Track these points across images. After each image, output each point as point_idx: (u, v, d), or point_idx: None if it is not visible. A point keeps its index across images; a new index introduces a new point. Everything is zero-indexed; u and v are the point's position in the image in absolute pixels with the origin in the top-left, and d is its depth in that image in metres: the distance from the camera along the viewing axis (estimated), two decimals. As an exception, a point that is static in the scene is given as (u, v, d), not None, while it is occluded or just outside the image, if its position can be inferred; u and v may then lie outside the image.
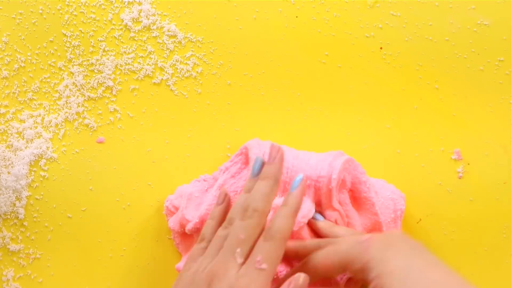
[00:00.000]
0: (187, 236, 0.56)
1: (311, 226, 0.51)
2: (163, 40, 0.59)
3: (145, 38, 0.59)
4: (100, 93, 0.59)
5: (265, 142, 0.54)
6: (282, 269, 0.50)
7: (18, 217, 0.58)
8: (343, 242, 0.47)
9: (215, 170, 0.57)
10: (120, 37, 0.59)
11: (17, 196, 0.58)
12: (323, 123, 0.58)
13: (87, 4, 0.59)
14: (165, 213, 0.57)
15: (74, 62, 0.59)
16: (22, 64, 0.59)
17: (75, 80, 0.59)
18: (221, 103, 0.59)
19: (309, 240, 0.50)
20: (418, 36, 0.58)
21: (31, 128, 0.59)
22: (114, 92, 0.59)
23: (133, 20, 0.59)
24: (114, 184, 0.58)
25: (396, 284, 0.41)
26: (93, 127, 0.59)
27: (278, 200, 0.49)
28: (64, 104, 0.59)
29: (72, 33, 0.59)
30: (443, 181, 0.57)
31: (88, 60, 0.59)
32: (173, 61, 0.59)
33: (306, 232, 0.51)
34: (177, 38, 0.59)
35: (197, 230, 0.53)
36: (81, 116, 0.59)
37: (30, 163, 0.58)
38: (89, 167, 0.59)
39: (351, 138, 0.58)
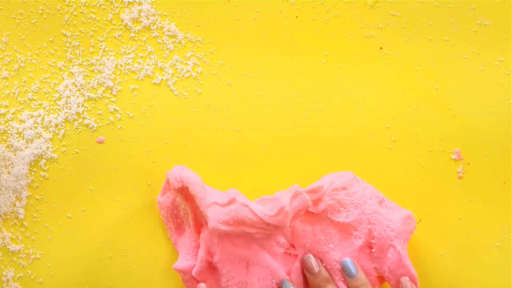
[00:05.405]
0: (180, 231, 0.56)
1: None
2: (163, 40, 0.59)
3: (145, 38, 0.59)
4: (100, 93, 0.59)
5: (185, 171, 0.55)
6: None
7: (18, 217, 0.58)
8: None
9: (215, 170, 0.57)
10: (120, 37, 0.59)
11: (17, 196, 0.58)
12: (323, 123, 0.58)
13: (87, 4, 0.59)
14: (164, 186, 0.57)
15: (74, 62, 0.59)
16: (22, 64, 0.59)
17: (75, 80, 0.59)
18: (221, 103, 0.59)
19: None
20: (418, 36, 0.58)
21: (31, 128, 0.59)
22: (114, 92, 0.59)
23: (133, 20, 0.59)
24: (114, 184, 0.58)
25: None
26: (93, 127, 0.59)
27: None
28: (64, 104, 0.59)
29: (72, 33, 0.59)
30: (443, 181, 0.57)
31: (88, 60, 0.59)
32: (173, 61, 0.59)
33: None
34: (177, 38, 0.59)
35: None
36: (81, 116, 0.59)
37: (30, 163, 0.58)
38: (89, 167, 0.59)
39: (351, 138, 0.58)
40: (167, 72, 0.59)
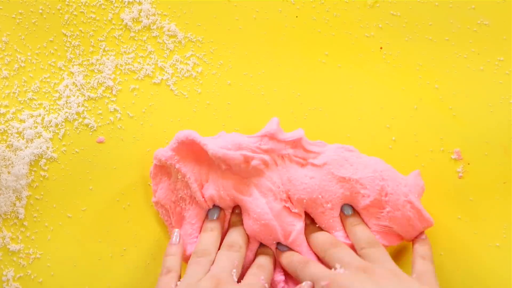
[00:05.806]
0: (180, 224, 0.56)
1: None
2: (163, 40, 0.59)
3: (145, 38, 0.59)
4: (100, 93, 0.59)
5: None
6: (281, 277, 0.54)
7: (18, 217, 0.58)
8: None
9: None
10: (120, 37, 0.59)
11: (17, 196, 0.58)
12: (323, 123, 0.58)
13: (87, 4, 0.59)
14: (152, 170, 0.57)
15: (74, 62, 0.59)
16: (22, 64, 0.59)
17: (75, 80, 0.59)
18: (221, 103, 0.59)
19: None
20: (418, 36, 0.58)
21: (31, 128, 0.59)
22: (114, 92, 0.59)
23: (133, 20, 0.59)
24: (114, 184, 0.58)
25: None
26: (93, 127, 0.59)
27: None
28: (64, 104, 0.59)
29: (72, 33, 0.59)
30: (443, 181, 0.57)
31: (88, 60, 0.59)
32: (173, 61, 0.59)
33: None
34: (177, 38, 0.59)
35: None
36: (81, 116, 0.59)
37: (30, 163, 0.58)
38: (89, 167, 0.59)
39: (351, 138, 0.58)
40: (167, 71, 0.59)
